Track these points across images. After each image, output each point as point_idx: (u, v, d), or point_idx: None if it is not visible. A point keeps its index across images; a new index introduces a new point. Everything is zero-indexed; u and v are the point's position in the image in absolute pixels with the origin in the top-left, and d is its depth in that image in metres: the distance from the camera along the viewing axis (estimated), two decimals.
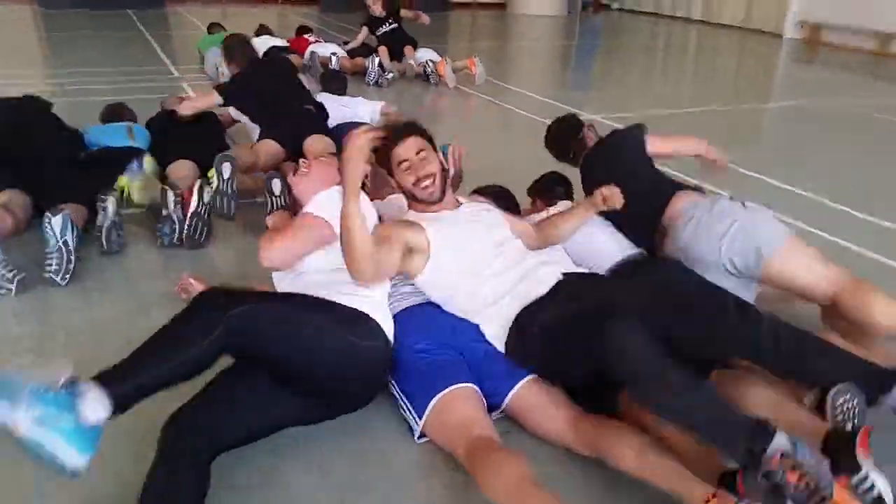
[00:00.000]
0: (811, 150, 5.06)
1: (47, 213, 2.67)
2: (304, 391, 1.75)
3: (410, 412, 1.89)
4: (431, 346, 1.98)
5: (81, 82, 6.29)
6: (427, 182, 2.16)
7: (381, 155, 2.25)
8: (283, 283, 2.12)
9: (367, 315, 1.87)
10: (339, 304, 1.85)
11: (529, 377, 1.92)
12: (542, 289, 2.00)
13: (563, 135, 2.91)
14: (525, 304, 1.97)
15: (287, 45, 7.24)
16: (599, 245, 2.48)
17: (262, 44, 7.09)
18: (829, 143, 5.27)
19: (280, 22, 10.93)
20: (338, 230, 1.89)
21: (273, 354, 1.66)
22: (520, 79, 7.95)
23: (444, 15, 13.12)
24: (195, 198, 3.03)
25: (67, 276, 2.67)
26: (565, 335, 1.80)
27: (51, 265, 2.65)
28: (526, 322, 1.93)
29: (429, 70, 6.70)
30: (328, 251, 2.05)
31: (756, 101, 6.93)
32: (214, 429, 1.60)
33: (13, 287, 2.60)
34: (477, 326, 2.04)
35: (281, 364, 1.69)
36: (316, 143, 3.58)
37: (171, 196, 3.00)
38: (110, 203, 2.92)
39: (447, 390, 1.84)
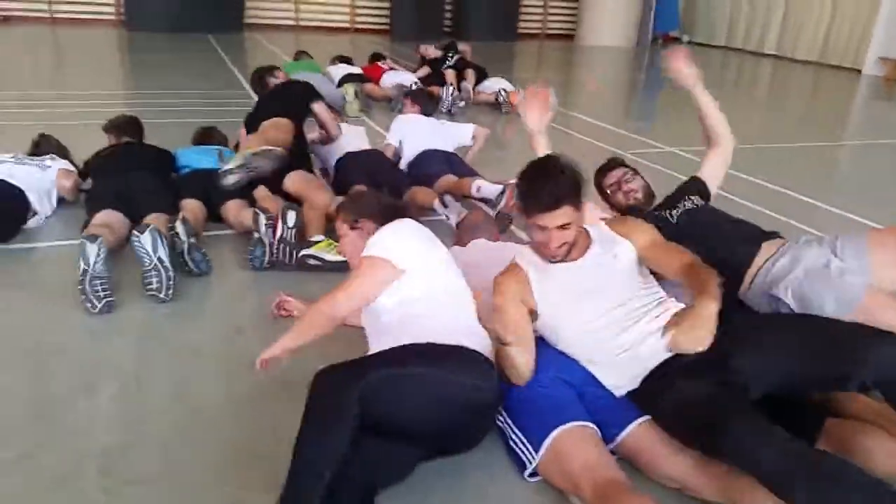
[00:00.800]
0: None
1: (135, 232, 2.73)
2: (429, 442, 1.73)
3: (525, 447, 1.82)
4: (546, 379, 1.93)
5: (165, 104, 6.51)
6: (557, 252, 2.00)
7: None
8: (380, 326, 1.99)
9: (483, 354, 1.84)
10: (457, 347, 1.80)
11: (648, 417, 1.85)
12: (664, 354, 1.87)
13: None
14: (649, 367, 1.87)
15: (361, 72, 7.38)
16: None
17: (337, 72, 7.27)
18: None
19: (351, 50, 11.15)
20: (398, 264, 1.92)
21: (406, 419, 1.65)
22: (591, 110, 7.89)
23: (510, 45, 13.22)
24: (280, 223, 3.07)
25: (170, 291, 2.72)
26: (695, 415, 1.71)
27: (151, 283, 2.69)
28: (653, 389, 1.85)
29: (501, 99, 6.72)
30: (396, 288, 1.96)
31: (832, 139, 6.71)
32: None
33: (99, 305, 2.61)
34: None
35: (413, 425, 1.68)
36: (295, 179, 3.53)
37: (262, 219, 3.04)
38: (179, 228, 2.93)
39: (566, 427, 1.77)
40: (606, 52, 13.21)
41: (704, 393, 1.72)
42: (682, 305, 1.97)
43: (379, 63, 7.70)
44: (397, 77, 7.21)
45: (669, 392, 1.79)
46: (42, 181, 3.56)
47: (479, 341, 1.90)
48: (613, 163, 2.98)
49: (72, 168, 3.77)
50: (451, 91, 6.57)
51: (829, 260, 2.24)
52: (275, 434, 1.93)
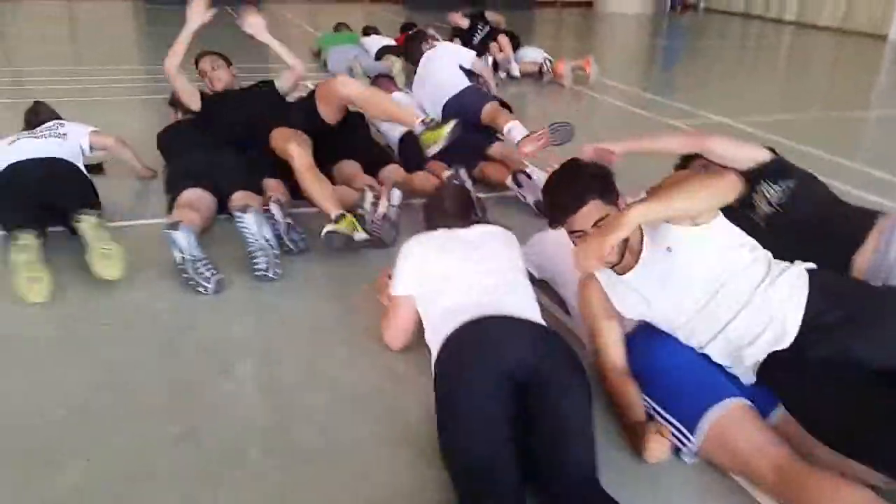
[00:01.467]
0: None
1: (237, 213, 2.71)
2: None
3: (678, 431, 1.79)
4: (686, 359, 1.90)
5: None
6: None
7: None
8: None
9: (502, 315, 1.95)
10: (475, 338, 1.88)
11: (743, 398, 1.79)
12: (788, 339, 1.78)
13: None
14: (768, 350, 1.80)
15: (396, 43, 7.28)
16: None
17: (372, 43, 7.17)
18: None
19: (367, 20, 10.98)
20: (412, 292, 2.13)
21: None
22: (630, 78, 7.81)
23: (529, 14, 13.04)
24: (384, 200, 3.04)
25: (278, 269, 2.70)
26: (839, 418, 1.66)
27: (258, 263, 2.67)
28: (785, 383, 1.80)
29: (546, 68, 6.66)
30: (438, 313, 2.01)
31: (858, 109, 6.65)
32: None
33: (211, 286, 2.60)
34: None
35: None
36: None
37: (369, 196, 3.01)
38: (275, 209, 2.90)
39: (723, 404, 1.74)
40: (626, 19, 13.07)
41: (845, 398, 1.67)
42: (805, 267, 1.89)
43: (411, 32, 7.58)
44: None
45: (807, 391, 1.75)
46: (67, 148, 3.33)
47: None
48: (686, 161, 2.74)
49: (90, 127, 3.59)
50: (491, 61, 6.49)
51: None
52: (425, 408, 1.94)
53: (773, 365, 1.81)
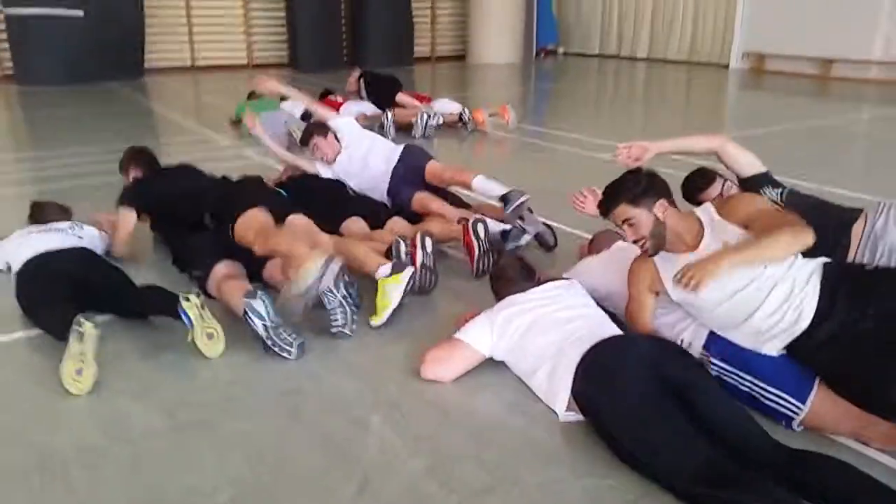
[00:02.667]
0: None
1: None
2: None
3: (788, 403, 2.14)
4: None
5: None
6: (639, 246, 2.38)
7: None
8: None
9: None
10: None
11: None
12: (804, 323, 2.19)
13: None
14: (795, 336, 2.20)
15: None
16: None
17: (293, 107, 7.30)
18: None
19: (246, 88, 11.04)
20: (479, 353, 2.49)
21: None
22: (547, 120, 8.43)
23: (411, 69, 13.59)
24: (419, 250, 3.23)
25: (354, 325, 2.82)
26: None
27: (336, 320, 2.78)
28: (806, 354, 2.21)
29: (465, 118, 7.09)
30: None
31: (720, 129, 7.64)
32: None
33: (294, 350, 2.68)
34: None
35: None
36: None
37: (402, 247, 3.19)
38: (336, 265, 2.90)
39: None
40: (499, 68, 13.91)
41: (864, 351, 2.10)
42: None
43: (331, 97, 7.81)
44: (356, 107, 7.36)
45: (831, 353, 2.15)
46: (87, 243, 3.40)
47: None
48: (707, 176, 3.20)
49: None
50: (425, 117, 6.83)
51: None
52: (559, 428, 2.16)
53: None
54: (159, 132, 7.91)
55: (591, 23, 15.52)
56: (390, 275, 2.96)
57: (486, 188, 3.88)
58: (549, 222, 3.83)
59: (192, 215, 3.42)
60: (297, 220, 3.37)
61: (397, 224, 3.78)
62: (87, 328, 2.55)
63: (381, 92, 7.56)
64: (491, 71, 13.55)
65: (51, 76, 10.64)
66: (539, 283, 2.67)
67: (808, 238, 2.19)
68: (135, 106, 9.59)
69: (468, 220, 3.42)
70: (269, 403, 2.45)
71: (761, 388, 2.22)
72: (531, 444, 2.18)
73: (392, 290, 2.92)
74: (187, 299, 2.70)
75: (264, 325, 2.66)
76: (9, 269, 3.35)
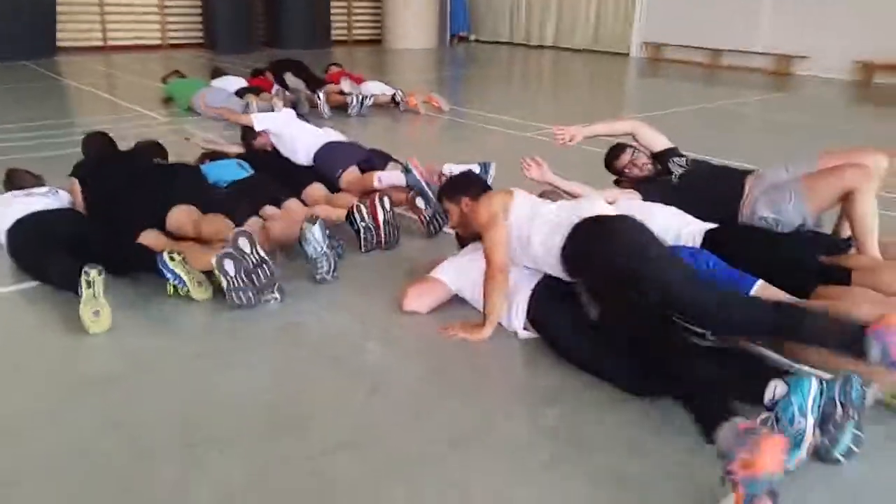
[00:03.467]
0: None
1: (305, 223, 3.19)
2: None
3: None
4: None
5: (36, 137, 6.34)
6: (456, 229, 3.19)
7: None
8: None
9: None
10: None
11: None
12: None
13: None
14: None
15: (248, 84, 7.67)
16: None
17: (226, 83, 7.51)
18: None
19: (172, 65, 10.95)
20: (448, 288, 2.96)
21: None
22: (470, 103, 8.92)
23: (326, 52, 13.77)
24: (380, 209, 3.64)
25: (335, 272, 3.23)
26: None
27: (322, 268, 3.17)
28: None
29: (399, 98, 7.50)
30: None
31: (623, 110, 8.44)
32: None
33: (278, 296, 3.05)
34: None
35: None
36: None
37: (363, 209, 3.60)
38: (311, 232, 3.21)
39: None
40: (414, 53, 14.32)
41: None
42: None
43: (264, 76, 8.03)
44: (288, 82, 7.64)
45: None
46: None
47: None
48: (618, 148, 3.81)
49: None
50: (359, 97, 7.19)
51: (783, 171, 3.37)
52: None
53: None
54: (94, 110, 7.86)
55: (500, 11, 16.17)
56: None
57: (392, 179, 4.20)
58: None
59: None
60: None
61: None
62: (94, 275, 2.78)
63: (303, 74, 7.90)
64: (407, 55, 13.95)
65: None
66: None
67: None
68: (63, 85, 9.42)
69: (408, 192, 3.96)
70: (272, 334, 2.82)
71: None
72: (507, 351, 2.67)
73: None
74: (172, 258, 2.97)
75: (314, 249, 3.16)
76: None
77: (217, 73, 7.98)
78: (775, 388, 2.03)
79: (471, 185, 3.04)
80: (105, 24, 12.65)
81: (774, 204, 3.23)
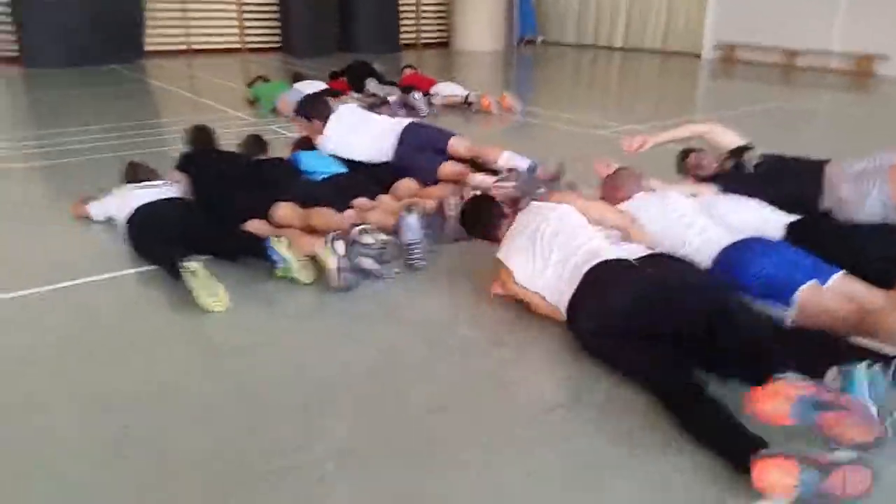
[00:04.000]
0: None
1: (403, 213, 3.43)
2: None
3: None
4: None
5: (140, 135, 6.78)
6: None
7: None
8: None
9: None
10: None
11: None
12: None
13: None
14: None
15: (329, 87, 8.02)
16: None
17: (307, 88, 7.85)
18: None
19: (253, 69, 11.44)
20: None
21: None
22: (541, 103, 9.07)
23: (398, 56, 14.11)
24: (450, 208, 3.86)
25: (425, 261, 3.44)
26: None
27: (416, 254, 3.40)
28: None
29: (471, 99, 7.71)
30: None
31: (695, 112, 8.42)
32: None
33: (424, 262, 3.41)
34: None
35: None
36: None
37: (452, 201, 3.81)
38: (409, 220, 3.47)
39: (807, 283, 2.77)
40: (483, 55, 14.52)
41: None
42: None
43: (341, 79, 8.37)
44: (447, 87, 8.06)
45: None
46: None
47: None
48: (683, 154, 4.04)
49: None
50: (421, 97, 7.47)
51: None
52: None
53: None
54: (183, 111, 8.35)
55: (568, 13, 16.21)
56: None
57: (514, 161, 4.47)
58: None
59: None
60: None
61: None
62: (194, 266, 3.06)
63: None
64: (476, 58, 14.15)
65: (53, 58, 10.96)
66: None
67: None
68: (152, 87, 10.02)
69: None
70: (375, 315, 3.03)
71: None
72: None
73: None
74: (279, 241, 3.23)
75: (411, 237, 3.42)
76: (108, 220, 3.92)
77: (298, 77, 8.33)
78: (831, 380, 2.07)
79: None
80: (189, 28, 13.29)
81: (858, 192, 3.28)
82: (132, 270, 3.50)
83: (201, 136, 4.56)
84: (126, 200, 3.78)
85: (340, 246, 3.16)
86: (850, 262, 2.81)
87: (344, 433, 2.20)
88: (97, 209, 4.04)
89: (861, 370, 2.02)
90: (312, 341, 2.83)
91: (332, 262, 3.14)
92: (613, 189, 3.72)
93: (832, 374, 2.06)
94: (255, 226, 3.63)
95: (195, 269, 3.08)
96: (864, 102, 9.02)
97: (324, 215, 3.68)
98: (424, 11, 15.93)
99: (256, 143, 4.58)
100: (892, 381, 2.05)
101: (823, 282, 2.77)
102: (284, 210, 3.73)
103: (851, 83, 10.45)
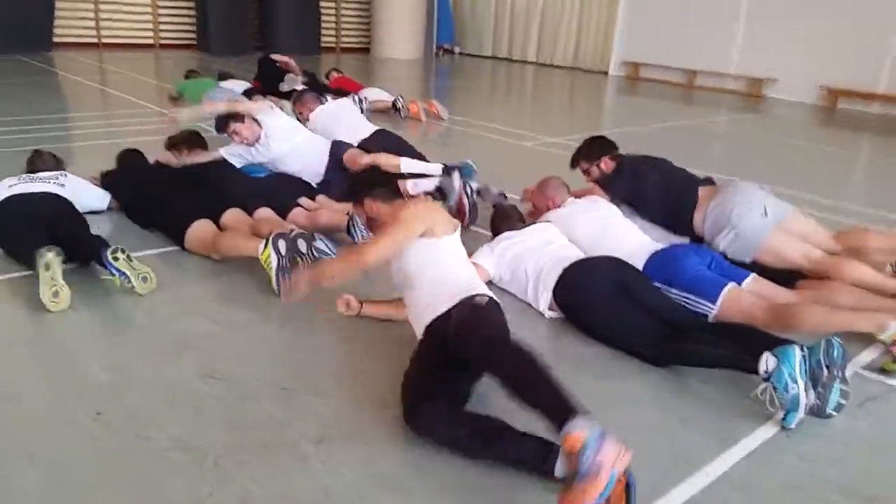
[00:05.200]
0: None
1: (353, 216, 3.56)
2: None
3: (703, 303, 3.07)
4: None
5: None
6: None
7: None
8: None
9: None
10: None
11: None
12: None
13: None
14: None
15: (253, 85, 8.01)
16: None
17: (236, 86, 7.81)
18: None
19: (160, 66, 11.20)
20: (486, 272, 3.28)
21: None
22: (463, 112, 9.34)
23: (317, 57, 14.12)
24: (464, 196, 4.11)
25: None
26: None
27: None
28: None
29: (400, 105, 7.87)
30: None
31: (602, 125, 9.00)
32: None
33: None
34: None
35: None
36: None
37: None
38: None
39: (729, 285, 3.08)
40: (401, 63, 14.74)
41: None
42: None
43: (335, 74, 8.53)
44: (292, 85, 7.97)
45: None
46: (66, 194, 3.74)
47: None
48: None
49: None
50: (356, 99, 7.57)
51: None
52: None
53: None
54: (105, 105, 8.10)
55: (484, 25, 16.70)
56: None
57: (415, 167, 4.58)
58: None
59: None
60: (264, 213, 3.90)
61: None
62: (49, 257, 2.94)
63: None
64: (395, 65, 14.35)
65: None
66: (524, 223, 3.56)
67: None
68: (68, 80, 9.62)
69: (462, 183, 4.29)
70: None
71: (683, 295, 3.19)
72: (542, 323, 3.09)
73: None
74: (115, 258, 3.08)
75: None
76: None
77: (223, 76, 8.27)
78: (767, 361, 2.41)
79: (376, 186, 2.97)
80: (99, 21, 12.82)
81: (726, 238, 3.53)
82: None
83: (133, 157, 4.46)
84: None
85: (283, 245, 3.18)
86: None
87: (325, 413, 2.32)
88: None
89: (795, 348, 2.37)
90: (283, 331, 2.91)
91: (273, 262, 3.15)
92: (545, 198, 3.98)
93: (765, 356, 2.39)
94: (201, 227, 3.59)
95: (49, 260, 2.94)
96: (754, 122, 9.84)
97: (271, 223, 3.67)
98: (344, 16, 15.99)
99: (193, 138, 4.49)
100: (820, 360, 2.40)
101: (739, 283, 3.16)
102: (232, 216, 3.74)
103: (744, 104, 11.35)
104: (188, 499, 1.90)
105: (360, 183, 3.14)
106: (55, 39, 11.86)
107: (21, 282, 3.19)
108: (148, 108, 7.66)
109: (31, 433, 2.16)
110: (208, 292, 3.24)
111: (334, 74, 8.86)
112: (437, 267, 2.55)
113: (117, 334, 2.85)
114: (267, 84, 8.06)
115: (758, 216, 3.46)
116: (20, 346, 2.72)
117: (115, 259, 3.09)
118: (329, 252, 3.39)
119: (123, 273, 3.09)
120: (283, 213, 3.89)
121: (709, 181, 3.87)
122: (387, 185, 3.05)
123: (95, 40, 12.78)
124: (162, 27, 13.56)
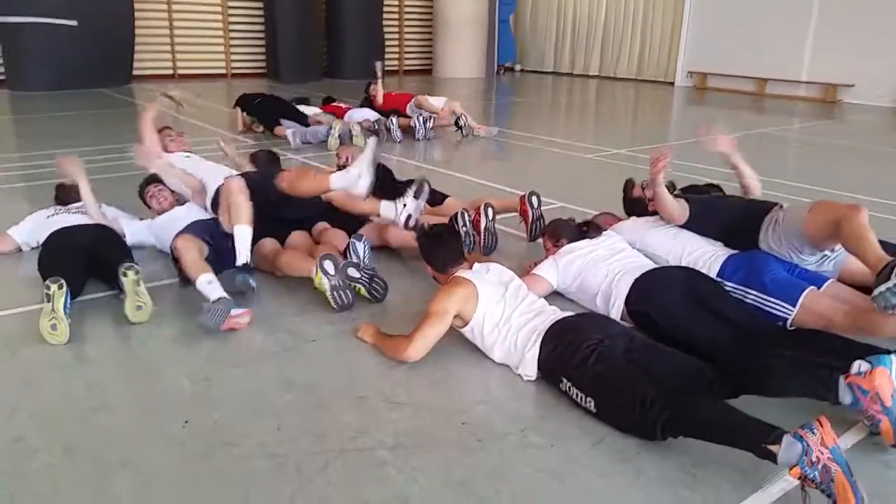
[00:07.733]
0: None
1: (352, 240, 3.56)
2: None
3: (783, 306, 3.02)
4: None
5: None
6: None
7: None
8: None
9: None
10: None
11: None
12: None
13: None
14: None
15: (323, 110, 8.25)
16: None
17: (308, 111, 8.07)
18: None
19: (237, 93, 11.55)
20: (549, 283, 3.33)
21: None
22: (525, 127, 9.38)
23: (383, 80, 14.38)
24: (483, 217, 4.05)
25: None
26: None
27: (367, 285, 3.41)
28: None
29: (462, 123, 7.94)
30: None
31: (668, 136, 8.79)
32: None
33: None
34: None
35: None
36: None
37: (466, 216, 4.00)
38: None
39: (809, 288, 3.03)
40: (463, 81, 14.89)
41: None
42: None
43: (335, 103, 8.59)
44: (360, 113, 8.15)
45: None
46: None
47: None
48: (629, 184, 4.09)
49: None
50: (422, 120, 7.68)
51: None
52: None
53: None
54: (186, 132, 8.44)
55: (545, 42, 16.72)
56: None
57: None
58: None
59: None
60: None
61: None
62: (53, 289, 2.90)
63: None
64: (457, 84, 14.51)
65: (42, 82, 11.03)
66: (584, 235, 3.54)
67: None
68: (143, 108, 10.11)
69: (524, 194, 4.26)
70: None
71: (761, 298, 3.13)
72: None
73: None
74: (125, 274, 3.07)
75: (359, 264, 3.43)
76: (19, 249, 3.92)
77: (300, 101, 8.54)
78: (860, 367, 2.31)
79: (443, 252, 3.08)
80: (175, 53, 13.44)
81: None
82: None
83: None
84: (40, 226, 3.77)
85: (330, 266, 3.23)
86: None
87: (402, 422, 2.37)
88: (17, 234, 3.93)
89: (892, 356, 2.29)
90: (345, 342, 2.99)
91: (326, 284, 3.21)
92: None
93: (857, 364, 2.31)
94: (264, 245, 3.69)
95: (53, 292, 2.91)
96: (829, 128, 9.50)
97: (334, 238, 3.81)
98: (408, 40, 16.29)
99: (269, 158, 4.67)
100: None
101: (819, 287, 3.07)
102: (298, 236, 3.87)
103: (818, 110, 10.98)
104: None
105: (426, 244, 3.14)
106: (135, 73, 12.45)
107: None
108: (223, 134, 7.96)
109: (123, 441, 2.27)
110: (284, 307, 3.34)
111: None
112: (493, 336, 2.76)
113: (199, 347, 2.96)
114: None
115: None
116: (109, 360, 2.87)
117: (125, 275, 3.08)
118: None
119: (123, 291, 3.09)
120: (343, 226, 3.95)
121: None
122: (451, 246, 3.09)
123: (171, 71, 13.39)
124: (234, 56, 14.10)
